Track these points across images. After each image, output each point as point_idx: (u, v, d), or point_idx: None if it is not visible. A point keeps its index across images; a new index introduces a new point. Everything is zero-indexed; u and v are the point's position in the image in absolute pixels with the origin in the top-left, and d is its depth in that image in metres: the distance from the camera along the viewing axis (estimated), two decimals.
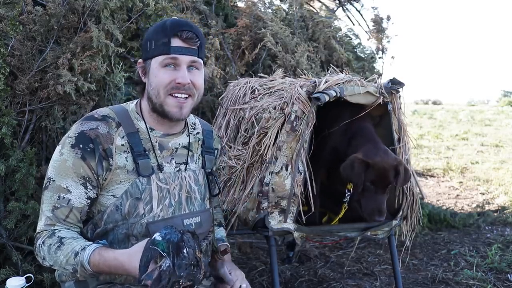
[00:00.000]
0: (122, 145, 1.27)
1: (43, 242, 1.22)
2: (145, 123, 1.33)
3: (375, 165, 1.73)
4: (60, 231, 1.22)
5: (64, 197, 1.22)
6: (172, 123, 1.35)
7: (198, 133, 1.46)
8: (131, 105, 1.36)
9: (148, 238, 1.10)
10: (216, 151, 1.51)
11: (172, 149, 1.35)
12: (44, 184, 1.25)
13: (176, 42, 1.26)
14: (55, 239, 1.20)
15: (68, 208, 1.23)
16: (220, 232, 1.57)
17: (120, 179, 1.26)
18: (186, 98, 1.29)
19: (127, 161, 1.27)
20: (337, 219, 2.01)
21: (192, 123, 1.48)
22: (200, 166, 1.44)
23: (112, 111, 1.31)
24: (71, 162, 1.22)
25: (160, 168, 1.31)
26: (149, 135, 1.31)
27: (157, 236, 1.08)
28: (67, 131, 1.29)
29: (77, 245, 1.19)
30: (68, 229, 1.24)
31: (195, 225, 1.36)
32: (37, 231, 1.25)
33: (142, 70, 1.32)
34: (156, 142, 1.32)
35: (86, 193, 1.24)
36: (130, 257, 1.12)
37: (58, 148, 1.26)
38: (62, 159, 1.23)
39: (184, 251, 1.06)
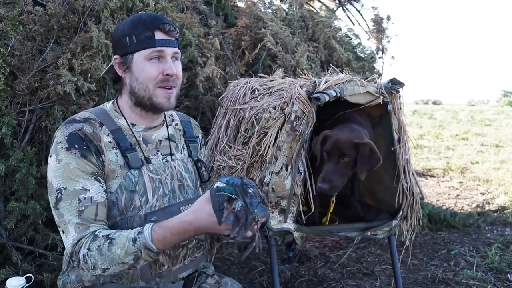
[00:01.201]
0: (110, 142, 1.28)
1: (89, 249, 1.15)
2: (126, 120, 1.34)
3: (331, 137, 1.74)
4: (99, 231, 1.17)
5: (85, 197, 1.19)
6: (154, 116, 1.37)
7: (177, 124, 1.48)
8: (108, 105, 1.37)
9: (209, 190, 1.13)
10: (197, 139, 1.54)
11: (156, 142, 1.37)
12: (55, 199, 1.20)
13: (159, 35, 1.28)
14: (101, 239, 1.15)
15: (94, 205, 1.20)
16: None
17: (116, 174, 1.27)
18: (171, 88, 1.32)
19: (117, 156, 1.28)
20: (328, 213, 2.00)
21: (170, 115, 1.50)
22: (187, 155, 1.46)
23: (92, 113, 1.32)
24: (74, 163, 1.21)
25: (148, 161, 1.33)
26: (131, 131, 1.33)
27: (219, 184, 1.11)
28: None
29: (130, 233, 1.16)
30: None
31: None
32: (71, 244, 1.18)
33: (121, 66, 1.31)
34: (139, 137, 1.34)
35: (102, 187, 1.24)
36: (195, 213, 1.13)
37: (52, 158, 1.23)
38: (64, 164, 1.21)
39: (250, 190, 1.11)
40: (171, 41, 1.30)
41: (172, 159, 1.39)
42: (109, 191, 1.26)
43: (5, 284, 1.32)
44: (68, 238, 1.19)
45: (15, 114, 2.11)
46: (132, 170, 1.28)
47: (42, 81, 2.17)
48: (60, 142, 1.22)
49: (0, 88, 2.00)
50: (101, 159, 1.25)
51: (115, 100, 1.38)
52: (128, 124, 1.33)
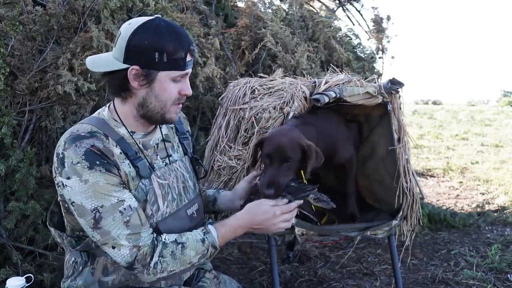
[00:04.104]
0: (120, 153, 1.24)
1: (162, 256, 1.19)
2: (126, 128, 1.30)
3: (268, 140, 1.62)
4: (166, 238, 1.23)
5: (125, 208, 1.18)
6: (153, 125, 1.36)
7: None
8: (104, 113, 1.31)
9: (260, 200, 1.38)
10: (188, 133, 1.53)
11: (154, 146, 1.35)
12: (93, 220, 1.16)
13: (188, 57, 1.26)
14: (173, 245, 1.22)
15: (135, 212, 1.19)
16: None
17: (129, 186, 1.24)
18: (180, 104, 1.34)
19: (130, 167, 1.25)
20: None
21: None
22: (182, 153, 1.45)
23: (93, 126, 1.25)
24: (103, 179, 1.17)
25: (152, 167, 1.31)
26: (133, 139, 1.30)
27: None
28: (61, 138, 1.22)
29: (197, 234, 1.26)
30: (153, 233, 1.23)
31: (196, 212, 1.39)
32: (128, 254, 1.17)
33: (139, 78, 1.23)
34: (140, 144, 1.32)
35: (131, 192, 1.23)
36: (250, 213, 1.33)
37: (73, 180, 1.16)
38: (92, 183, 1.16)
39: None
40: (192, 62, 1.29)
41: (170, 161, 1.38)
42: None
43: (5, 284, 1.32)
44: (122, 251, 1.18)
45: (15, 114, 2.11)
46: (143, 179, 1.26)
47: (42, 81, 2.17)
48: (78, 162, 1.16)
49: (0, 88, 2.00)
50: (119, 173, 1.22)
51: (112, 107, 1.32)
52: (128, 132, 1.30)
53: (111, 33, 2.30)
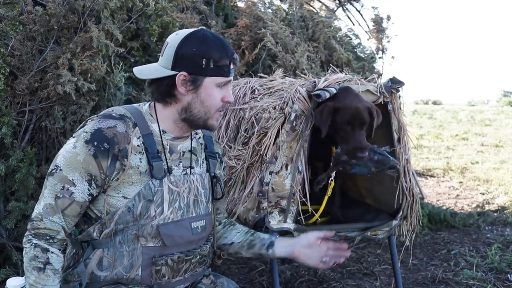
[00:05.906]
0: (138, 145, 1.28)
1: (34, 245, 1.21)
2: (158, 126, 1.34)
3: (346, 107, 1.70)
4: (52, 252, 1.22)
5: (68, 189, 1.23)
6: (192, 129, 1.39)
7: (199, 137, 1.49)
8: (144, 107, 1.37)
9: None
10: (217, 155, 1.54)
11: (180, 152, 1.38)
12: (50, 170, 1.25)
13: (232, 65, 1.32)
14: (43, 258, 1.21)
15: (69, 200, 1.23)
16: (236, 232, 1.57)
17: (132, 180, 1.27)
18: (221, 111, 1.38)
19: (141, 162, 1.27)
20: (327, 195, 1.95)
21: None
22: (205, 170, 1.46)
23: (128, 111, 1.32)
24: (82, 157, 1.23)
25: (170, 171, 1.33)
26: (161, 138, 1.33)
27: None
28: (70, 130, 1.29)
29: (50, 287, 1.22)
30: (65, 226, 1.24)
31: (201, 228, 1.39)
32: (34, 214, 1.24)
33: (186, 84, 1.29)
34: (167, 145, 1.34)
35: (89, 190, 1.25)
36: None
37: (72, 140, 1.26)
38: (75, 152, 1.23)
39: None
40: (233, 70, 1.35)
41: (191, 173, 1.39)
42: (124, 196, 1.27)
43: (5, 284, 1.32)
44: (37, 208, 1.25)
45: (15, 114, 2.11)
46: (154, 179, 1.28)
47: (42, 81, 2.17)
48: (86, 132, 1.24)
49: (0, 88, 2.00)
50: (116, 165, 1.25)
51: (152, 104, 1.37)
52: (159, 130, 1.34)
53: (111, 33, 2.30)
